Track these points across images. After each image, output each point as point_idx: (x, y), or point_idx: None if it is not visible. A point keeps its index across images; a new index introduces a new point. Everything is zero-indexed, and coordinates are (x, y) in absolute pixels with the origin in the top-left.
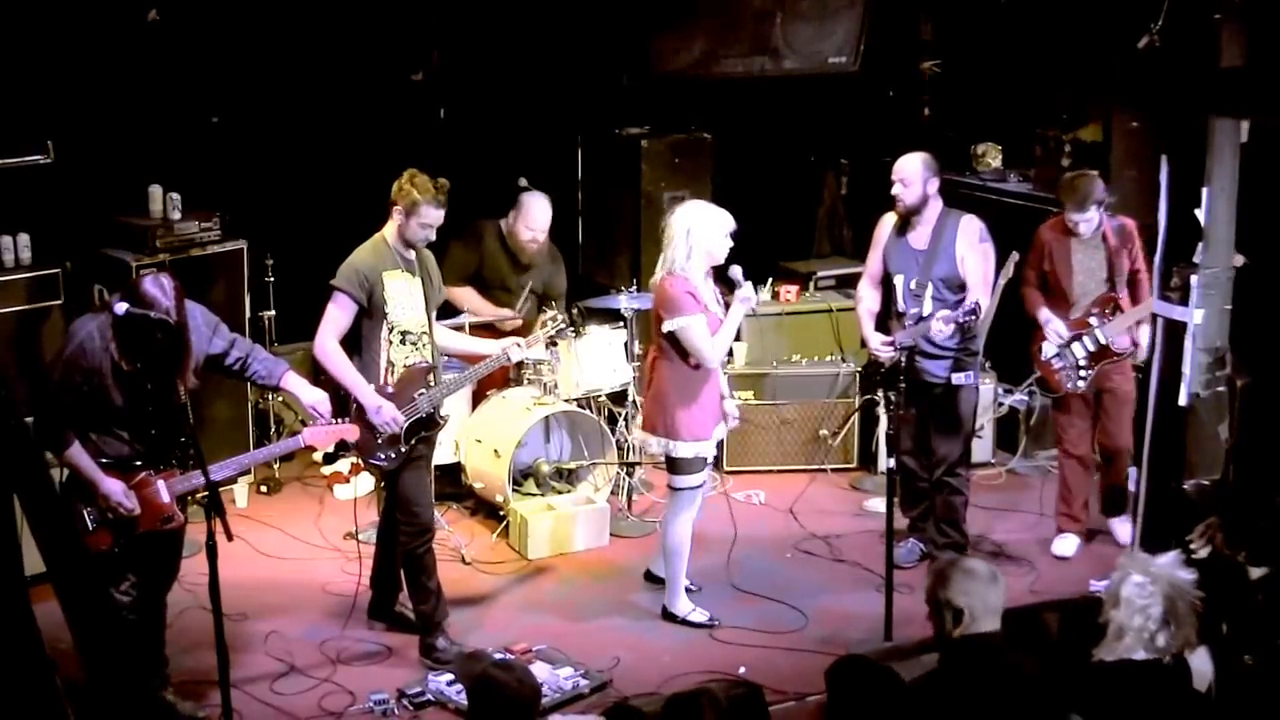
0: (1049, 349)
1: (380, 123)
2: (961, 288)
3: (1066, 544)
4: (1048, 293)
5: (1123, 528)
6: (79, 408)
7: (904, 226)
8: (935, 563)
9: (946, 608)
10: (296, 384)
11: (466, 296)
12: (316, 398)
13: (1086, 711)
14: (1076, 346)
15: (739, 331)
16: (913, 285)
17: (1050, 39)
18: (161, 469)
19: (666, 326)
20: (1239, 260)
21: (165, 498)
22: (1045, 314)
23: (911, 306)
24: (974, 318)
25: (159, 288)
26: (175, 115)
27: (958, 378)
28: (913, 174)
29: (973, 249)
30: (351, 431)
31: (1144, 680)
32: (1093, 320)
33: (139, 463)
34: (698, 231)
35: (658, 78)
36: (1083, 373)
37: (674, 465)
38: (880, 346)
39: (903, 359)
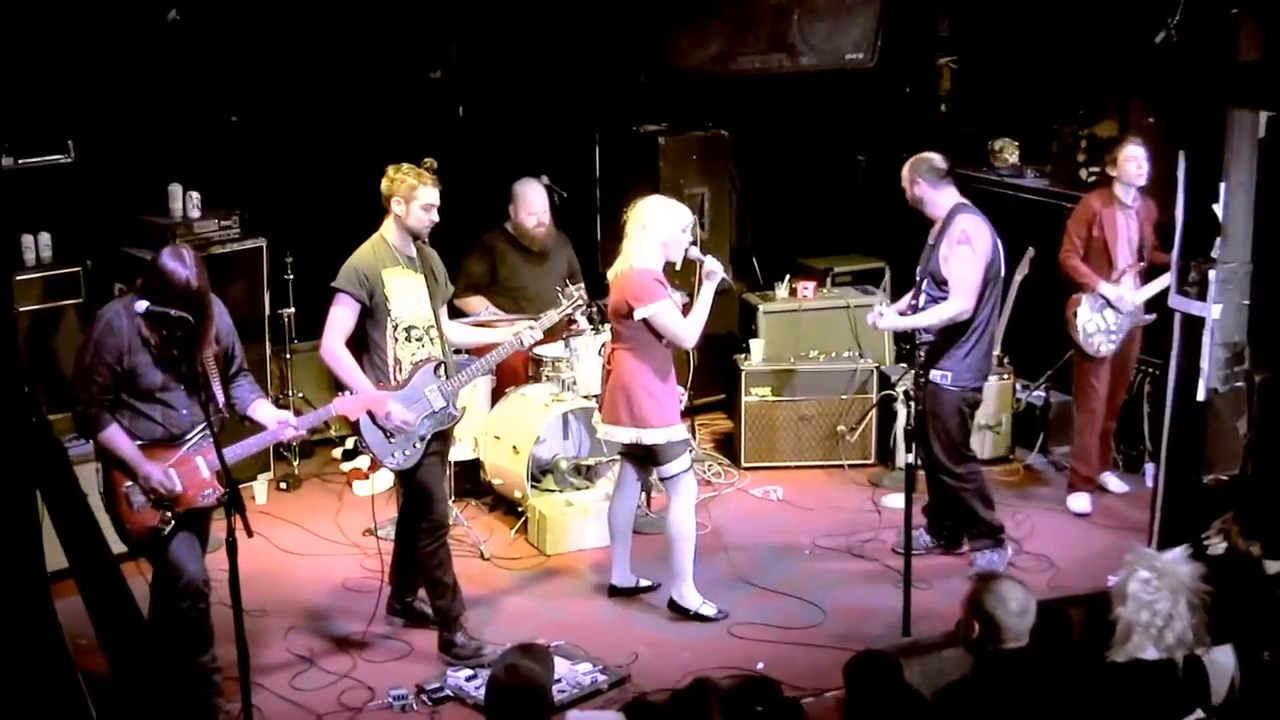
0: (1084, 312)
1: (399, 121)
2: (945, 284)
3: (1082, 501)
4: (1089, 259)
5: (1115, 480)
6: (112, 390)
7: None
8: (981, 575)
9: (980, 617)
10: (262, 412)
11: (475, 307)
12: (281, 417)
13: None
14: (1109, 312)
15: (756, 328)
16: (918, 276)
17: (1067, 34)
18: (197, 445)
19: (639, 314)
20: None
21: (205, 473)
22: (1111, 289)
23: (913, 297)
24: (877, 320)
25: (178, 259)
26: (195, 115)
27: (934, 375)
28: (902, 178)
29: (951, 249)
30: (382, 402)
31: (1157, 682)
32: (1132, 279)
33: (175, 440)
34: (653, 226)
35: (675, 74)
36: (1113, 336)
37: (653, 455)
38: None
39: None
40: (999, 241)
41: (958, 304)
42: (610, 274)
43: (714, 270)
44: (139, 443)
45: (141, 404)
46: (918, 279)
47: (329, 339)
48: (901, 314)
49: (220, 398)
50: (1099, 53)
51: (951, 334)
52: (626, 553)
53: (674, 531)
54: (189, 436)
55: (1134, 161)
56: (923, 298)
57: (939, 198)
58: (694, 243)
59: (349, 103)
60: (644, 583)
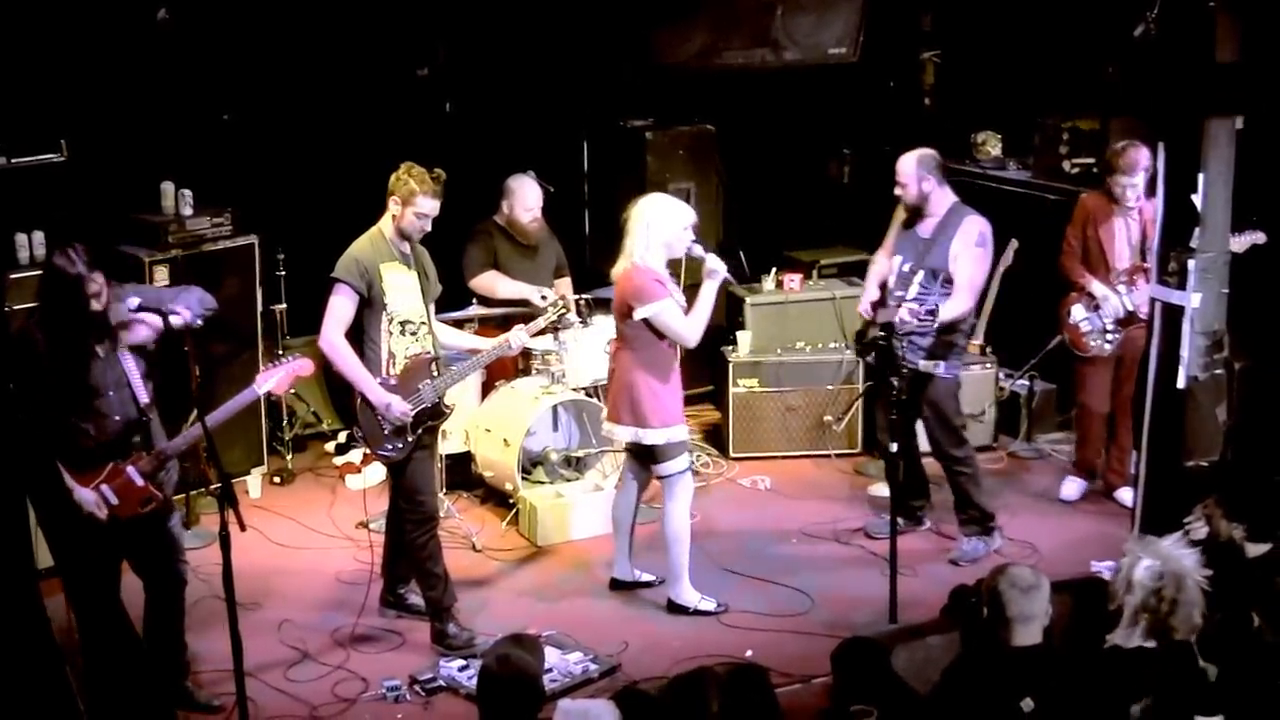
0: (1079, 312)
1: (387, 118)
2: (949, 282)
3: (1073, 487)
4: (1086, 260)
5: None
6: (39, 411)
7: (912, 219)
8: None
9: (988, 595)
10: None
11: (492, 281)
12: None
13: (1101, 695)
14: (1105, 311)
15: (744, 320)
16: (906, 268)
17: (1049, 28)
18: (128, 456)
19: (639, 314)
20: (1261, 238)
21: (140, 481)
22: (1100, 287)
23: (898, 289)
24: (931, 319)
25: (65, 257)
26: (187, 113)
27: (927, 365)
28: (907, 174)
29: (967, 250)
30: (306, 367)
31: (1157, 665)
32: (1121, 288)
33: (106, 454)
34: (656, 224)
35: (660, 70)
36: (1109, 336)
37: (652, 454)
38: (864, 307)
39: (884, 337)
40: None
41: (964, 303)
42: (613, 272)
43: (716, 269)
44: (71, 464)
45: (74, 418)
46: (907, 270)
47: (328, 329)
48: (883, 305)
49: (144, 397)
50: (1081, 46)
51: (945, 328)
52: (627, 547)
53: (669, 531)
54: (119, 450)
55: (1138, 170)
56: (915, 288)
57: (943, 195)
58: (696, 240)
59: (339, 100)
60: (645, 577)
